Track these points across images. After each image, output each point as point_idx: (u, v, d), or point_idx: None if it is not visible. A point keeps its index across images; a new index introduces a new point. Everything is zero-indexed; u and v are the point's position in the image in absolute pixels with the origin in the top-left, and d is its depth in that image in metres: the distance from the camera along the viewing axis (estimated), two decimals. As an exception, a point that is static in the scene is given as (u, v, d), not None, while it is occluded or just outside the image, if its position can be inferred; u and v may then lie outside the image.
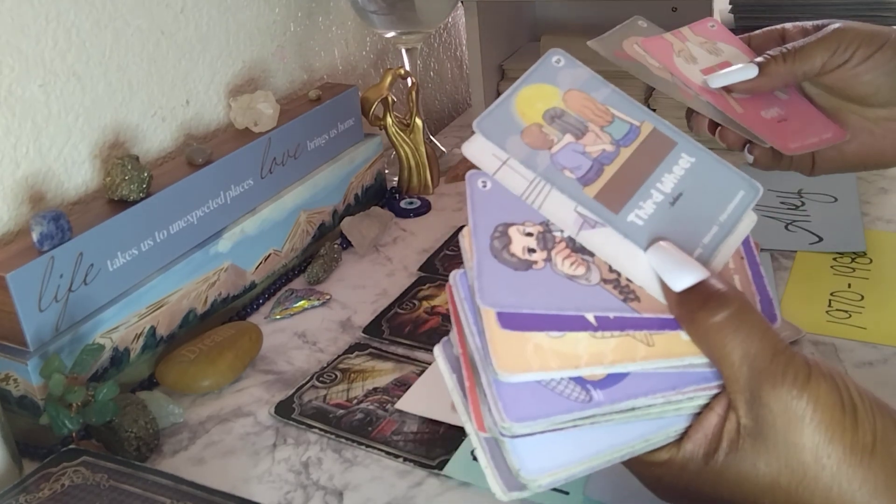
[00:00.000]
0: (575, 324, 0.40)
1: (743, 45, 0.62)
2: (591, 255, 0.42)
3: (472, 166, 0.44)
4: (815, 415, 0.38)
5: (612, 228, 0.42)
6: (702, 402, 0.41)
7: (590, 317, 0.40)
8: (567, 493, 0.52)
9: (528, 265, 0.41)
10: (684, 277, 0.40)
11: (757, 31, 0.63)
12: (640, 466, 0.43)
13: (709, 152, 0.45)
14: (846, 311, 0.68)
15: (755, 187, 0.44)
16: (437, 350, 0.45)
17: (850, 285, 0.71)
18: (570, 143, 0.44)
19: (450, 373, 0.44)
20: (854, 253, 0.75)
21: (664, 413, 0.41)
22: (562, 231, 0.43)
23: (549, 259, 0.42)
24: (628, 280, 0.42)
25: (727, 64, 0.61)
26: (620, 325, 0.40)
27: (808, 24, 0.61)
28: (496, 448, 0.41)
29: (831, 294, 0.70)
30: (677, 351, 0.40)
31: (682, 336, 0.40)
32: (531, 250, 0.42)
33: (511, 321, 0.40)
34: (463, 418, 0.43)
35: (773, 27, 0.63)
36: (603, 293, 0.41)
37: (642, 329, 0.40)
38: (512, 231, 0.42)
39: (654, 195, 0.43)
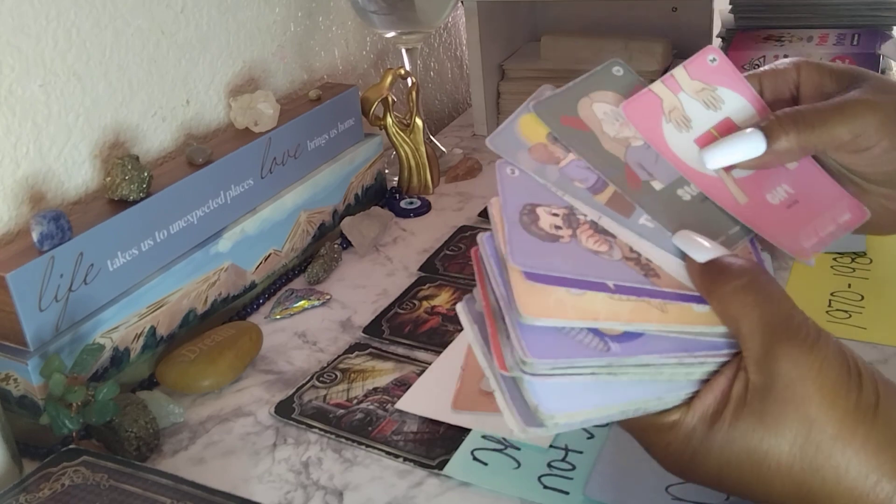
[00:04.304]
0: (594, 285, 0.43)
1: (747, 89, 0.51)
2: (614, 236, 0.45)
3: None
4: (823, 371, 0.39)
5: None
6: (711, 368, 0.43)
7: (609, 282, 0.43)
8: (567, 493, 0.52)
9: (555, 238, 0.44)
10: (708, 252, 0.43)
11: (767, 70, 0.51)
12: (649, 432, 0.44)
13: None
14: (846, 311, 0.68)
15: None
16: (460, 306, 0.48)
17: (850, 285, 0.71)
18: (575, 160, 0.47)
19: (471, 324, 0.47)
20: (854, 253, 0.75)
21: (675, 375, 0.43)
22: (585, 215, 0.46)
23: (574, 236, 0.44)
24: (648, 259, 0.45)
25: (729, 123, 0.49)
26: (637, 292, 0.43)
27: (826, 67, 0.50)
28: (515, 389, 0.43)
29: (831, 294, 0.70)
30: (690, 320, 0.43)
31: (695, 308, 0.43)
32: (557, 227, 0.45)
33: (535, 275, 0.42)
34: (483, 364, 0.45)
35: (786, 66, 0.51)
36: (625, 267, 0.44)
37: (657, 298, 0.43)
38: (539, 210, 0.45)
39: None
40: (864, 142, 0.47)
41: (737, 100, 0.50)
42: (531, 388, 0.41)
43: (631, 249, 0.45)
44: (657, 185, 0.47)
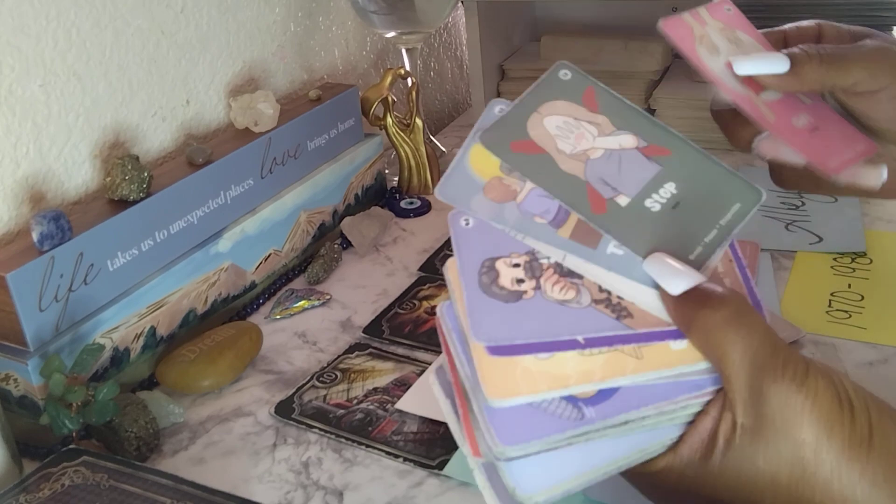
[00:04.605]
0: (563, 345, 0.40)
1: (761, 37, 0.55)
2: (580, 276, 0.43)
3: None
4: (814, 409, 0.38)
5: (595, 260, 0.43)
6: (695, 409, 0.41)
7: (579, 337, 0.41)
8: (567, 493, 0.52)
9: (519, 296, 0.41)
10: (682, 281, 0.40)
11: (791, 27, 0.56)
12: (637, 476, 0.43)
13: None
14: (846, 311, 0.68)
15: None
16: (432, 377, 0.46)
17: (850, 285, 0.71)
18: (534, 188, 0.44)
19: (444, 398, 0.45)
20: (854, 253, 0.75)
21: (658, 424, 0.41)
22: (549, 258, 0.43)
23: (538, 287, 0.42)
24: (619, 297, 0.42)
25: None
26: (608, 341, 0.41)
27: (844, 27, 0.55)
28: (493, 469, 0.41)
29: (831, 294, 0.70)
30: (667, 361, 0.40)
31: (672, 346, 0.41)
32: (520, 280, 0.42)
33: (499, 349, 0.40)
34: (459, 443, 0.43)
35: (808, 24, 0.56)
36: (595, 314, 0.41)
37: (630, 343, 0.41)
38: (499, 264, 0.42)
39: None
40: (874, 83, 0.51)
41: (752, 43, 0.54)
42: (507, 470, 0.40)
43: (600, 289, 0.42)
44: (623, 201, 0.44)
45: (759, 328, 0.39)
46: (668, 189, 0.44)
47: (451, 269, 0.43)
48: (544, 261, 0.43)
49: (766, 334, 0.39)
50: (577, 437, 0.40)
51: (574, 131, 0.46)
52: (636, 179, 0.44)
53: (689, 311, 0.40)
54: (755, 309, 0.40)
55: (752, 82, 0.52)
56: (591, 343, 0.40)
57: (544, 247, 0.43)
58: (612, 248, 0.42)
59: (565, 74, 0.48)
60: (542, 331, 0.40)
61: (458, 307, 0.43)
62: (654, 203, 0.44)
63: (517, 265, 0.42)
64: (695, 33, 0.52)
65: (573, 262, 0.43)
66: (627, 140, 0.46)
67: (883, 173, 0.53)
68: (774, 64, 0.51)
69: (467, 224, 0.44)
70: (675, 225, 0.43)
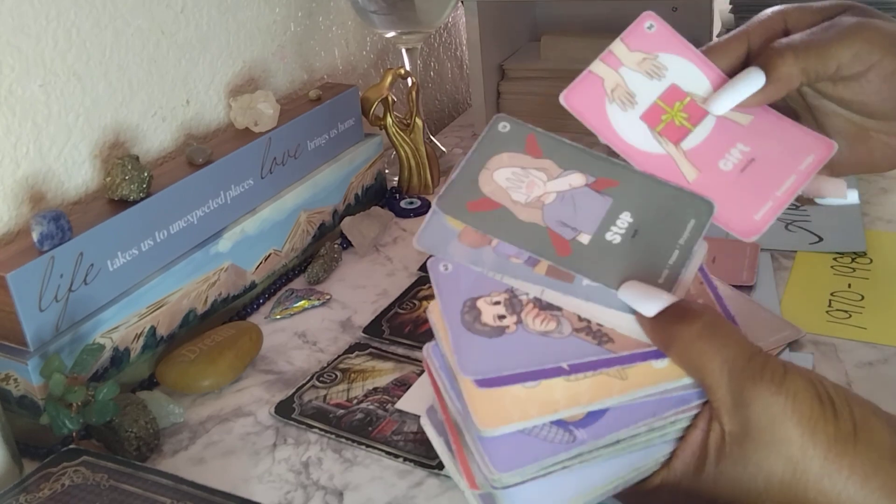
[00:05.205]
0: (548, 372, 0.41)
1: (689, 51, 0.49)
2: (560, 308, 0.44)
3: None
4: (796, 407, 0.38)
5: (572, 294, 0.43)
6: (684, 424, 0.42)
7: (563, 364, 0.42)
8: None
9: (501, 331, 0.43)
10: (655, 303, 0.41)
11: (754, 24, 0.50)
12: (634, 497, 0.43)
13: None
14: (846, 311, 0.68)
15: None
16: (424, 419, 0.47)
17: (850, 285, 0.71)
18: None
19: (437, 437, 0.46)
20: (854, 253, 0.75)
21: (650, 441, 0.42)
22: (527, 293, 0.44)
23: (519, 321, 0.43)
24: (599, 325, 0.43)
25: (675, 90, 0.48)
26: (592, 365, 0.42)
27: (815, 5, 0.49)
28: (490, 500, 0.42)
29: (831, 294, 0.70)
30: (651, 380, 0.41)
31: (654, 365, 0.42)
32: (501, 317, 0.43)
33: (487, 381, 0.41)
34: (455, 478, 0.44)
35: (771, 14, 0.50)
36: (577, 342, 0.42)
37: (614, 366, 0.42)
38: (480, 303, 0.44)
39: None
40: (861, 62, 0.46)
41: (681, 63, 0.49)
42: (505, 498, 0.40)
43: (580, 318, 0.43)
44: (585, 239, 0.44)
45: (734, 336, 0.40)
46: (625, 219, 0.45)
47: (433, 312, 0.45)
48: (523, 297, 0.44)
49: (741, 342, 0.40)
50: (570, 460, 0.40)
51: (524, 180, 0.46)
52: (592, 216, 0.45)
53: (666, 329, 0.41)
54: (726, 320, 0.41)
55: (674, 129, 0.48)
56: (576, 368, 0.41)
57: (522, 284, 0.44)
58: (588, 280, 0.43)
59: (504, 127, 0.48)
60: (528, 361, 0.41)
61: (443, 346, 0.44)
62: (614, 235, 0.44)
63: (497, 303, 0.44)
64: (606, 86, 0.48)
65: (552, 296, 0.44)
66: (576, 179, 0.46)
67: (845, 189, 0.49)
68: (749, 83, 0.47)
69: (446, 269, 0.45)
70: (637, 253, 0.44)
